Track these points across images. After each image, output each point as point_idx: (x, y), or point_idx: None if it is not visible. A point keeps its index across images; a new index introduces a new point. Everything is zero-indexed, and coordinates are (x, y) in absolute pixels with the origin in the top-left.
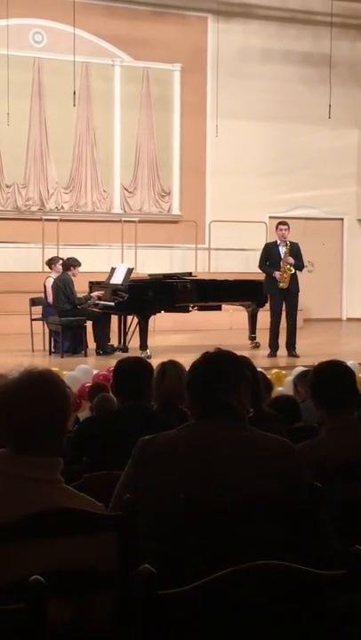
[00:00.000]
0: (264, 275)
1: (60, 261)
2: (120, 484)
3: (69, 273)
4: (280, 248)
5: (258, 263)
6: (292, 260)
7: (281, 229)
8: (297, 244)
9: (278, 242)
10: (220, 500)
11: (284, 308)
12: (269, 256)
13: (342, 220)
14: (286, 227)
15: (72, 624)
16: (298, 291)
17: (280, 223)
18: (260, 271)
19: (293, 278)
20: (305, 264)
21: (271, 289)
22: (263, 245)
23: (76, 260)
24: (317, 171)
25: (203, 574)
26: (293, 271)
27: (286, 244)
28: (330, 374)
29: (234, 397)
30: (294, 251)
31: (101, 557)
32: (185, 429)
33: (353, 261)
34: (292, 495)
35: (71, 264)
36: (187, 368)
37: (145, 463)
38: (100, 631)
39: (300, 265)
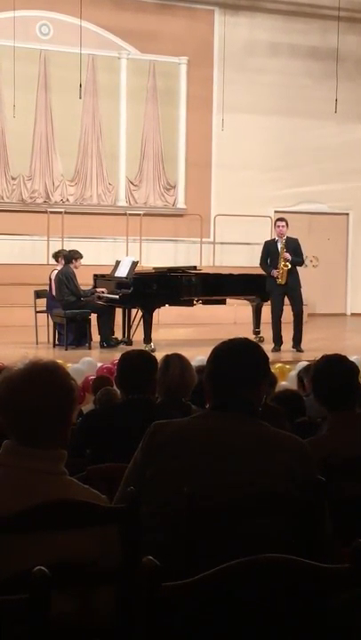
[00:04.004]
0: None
1: (64, 254)
2: (127, 471)
3: (71, 265)
4: (278, 245)
5: (259, 261)
6: (288, 257)
7: (279, 226)
8: (296, 239)
9: (276, 238)
10: (224, 495)
11: (287, 303)
12: (269, 253)
13: (348, 215)
14: (284, 223)
15: (75, 616)
16: (299, 286)
17: (278, 220)
18: None
19: (292, 273)
20: (304, 259)
21: (271, 285)
22: (263, 243)
23: (77, 252)
24: (323, 165)
25: (203, 568)
26: (290, 267)
27: (282, 241)
28: (332, 369)
29: (253, 393)
30: (292, 246)
31: (105, 550)
32: (199, 419)
33: (358, 256)
34: (301, 493)
35: (72, 256)
36: (191, 362)
37: (155, 449)
38: (104, 623)
39: (298, 261)
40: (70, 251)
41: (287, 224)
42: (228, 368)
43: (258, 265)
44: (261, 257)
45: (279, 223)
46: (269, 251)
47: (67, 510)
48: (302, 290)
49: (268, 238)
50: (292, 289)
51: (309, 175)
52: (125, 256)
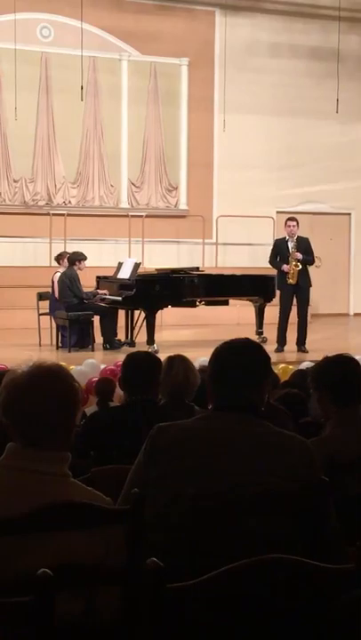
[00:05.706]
0: (275, 270)
1: (68, 256)
2: (130, 473)
3: (75, 267)
4: (289, 244)
5: (268, 259)
6: (299, 256)
7: (289, 225)
8: (307, 239)
9: (287, 238)
10: (227, 496)
11: (294, 303)
12: (279, 252)
13: (350, 214)
14: (295, 222)
15: (80, 617)
16: (310, 285)
17: (289, 219)
18: (267, 266)
19: (303, 273)
20: (315, 259)
21: (282, 284)
22: (273, 241)
23: (81, 254)
24: (325, 165)
25: (207, 569)
26: (300, 267)
27: (294, 240)
28: (334, 369)
29: (256, 393)
30: (303, 246)
31: (109, 551)
32: (202, 420)
33: (360, 256)
34: (304, 494)
35: (76, 258)
36: (194, 363)
37: (158, 451)
38: (108, 624)
39: (309, 260)
40: (74, 252)
41: (298, 223)
42: (230, 368)
43: (261, 265)
44: (271, 255)
45: (290, 223)
46: (280, 249)
47: (71, 512)
48: (309, 290)
49: (271, 238)
50: (301, 290)
51: (311, 175)
52: (128, 258)
